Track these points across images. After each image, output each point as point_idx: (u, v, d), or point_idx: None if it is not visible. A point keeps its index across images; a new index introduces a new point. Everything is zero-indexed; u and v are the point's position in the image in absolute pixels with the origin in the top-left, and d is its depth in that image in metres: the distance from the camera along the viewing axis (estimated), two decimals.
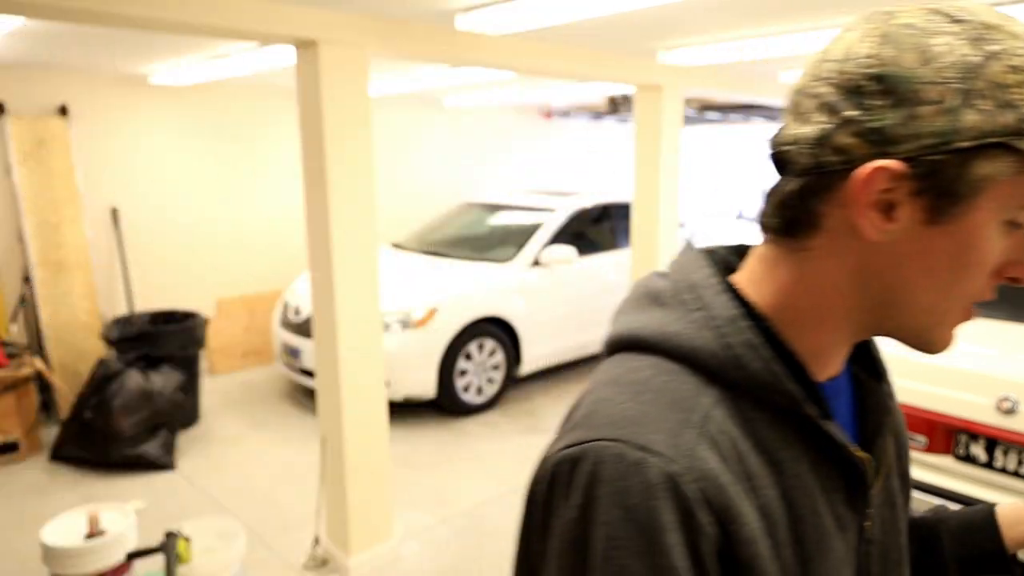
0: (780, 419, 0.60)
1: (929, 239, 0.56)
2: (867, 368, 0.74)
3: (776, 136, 0.61)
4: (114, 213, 5.04)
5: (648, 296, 0.67)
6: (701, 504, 0.53)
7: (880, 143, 0.54)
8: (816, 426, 0.61)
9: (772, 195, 0.63)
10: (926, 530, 0.85)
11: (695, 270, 0.65)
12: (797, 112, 0.59)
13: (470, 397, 4.68)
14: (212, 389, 5.21)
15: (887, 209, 0.55)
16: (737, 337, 0.60)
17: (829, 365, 0.65)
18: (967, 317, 0.60)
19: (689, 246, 0.70)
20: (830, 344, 0.63)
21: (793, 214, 0.60)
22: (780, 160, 0.60)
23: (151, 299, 5.28)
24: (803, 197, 0.59)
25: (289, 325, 4.79)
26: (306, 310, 4.67)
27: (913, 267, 0.57)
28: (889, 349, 2.87)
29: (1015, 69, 0.52)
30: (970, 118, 0.51)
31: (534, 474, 0.61)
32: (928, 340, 0.61)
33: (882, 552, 0.69)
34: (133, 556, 2.37)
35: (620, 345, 0.65)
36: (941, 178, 0.53)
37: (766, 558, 0.56)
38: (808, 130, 0.57)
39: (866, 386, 0.72)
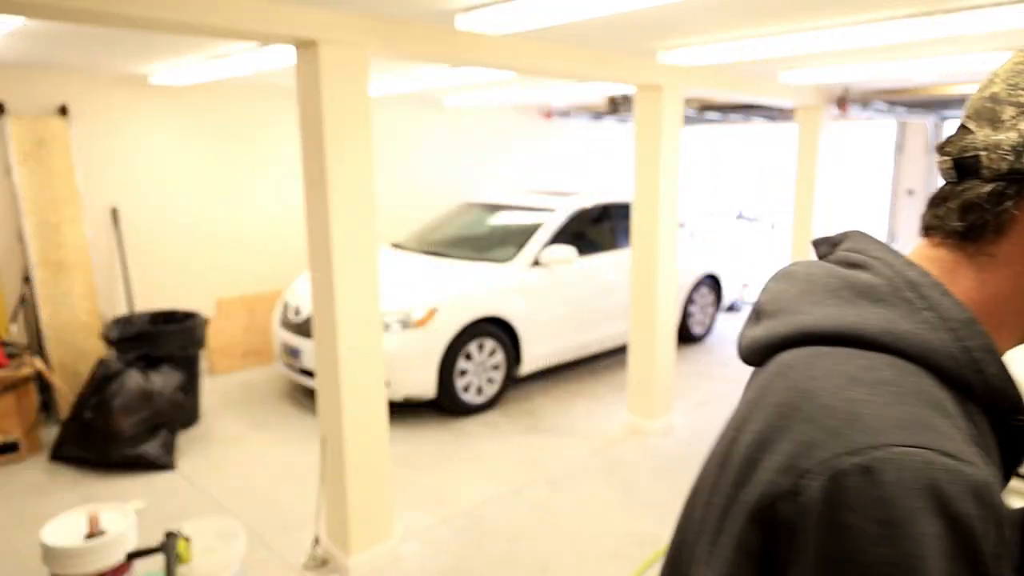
0: (994, 426, 0.61)
1: None
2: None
3: (959, 141, 0.62)
4: (114, 213, 5.04)
5: (853, 289, 0.63)
6: (995, 510, 0.51)
7: None
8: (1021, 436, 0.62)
9: (950, 199, 0.63)
10: None
11: (904, 267, 0.63)
12: (994, 119, 0.60)
13: (470, 397, 4.68)
14: (212, 389, 5.21)
15: None
16: (975, 341, 0.59)
17: None
18: None
19: (863, 235, 0.69)
20: (1001, 352, 0.63)
21: (981, 218, 0.60)
22: (965, 165, 0.61)
23: (151, 299, 5.28)
24: (996, 202, 0.59)
25: (289, 325, 4.79)
26: (306, 310, 4.67)
27: None
28: None
29: None
30: None
31: (770, 490, 0.55)
32: None
33: None
34: (133, 556, 2.37)
35: (826, 338, 0.62)
36: None
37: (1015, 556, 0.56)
38: (1008, 136, 0.59)
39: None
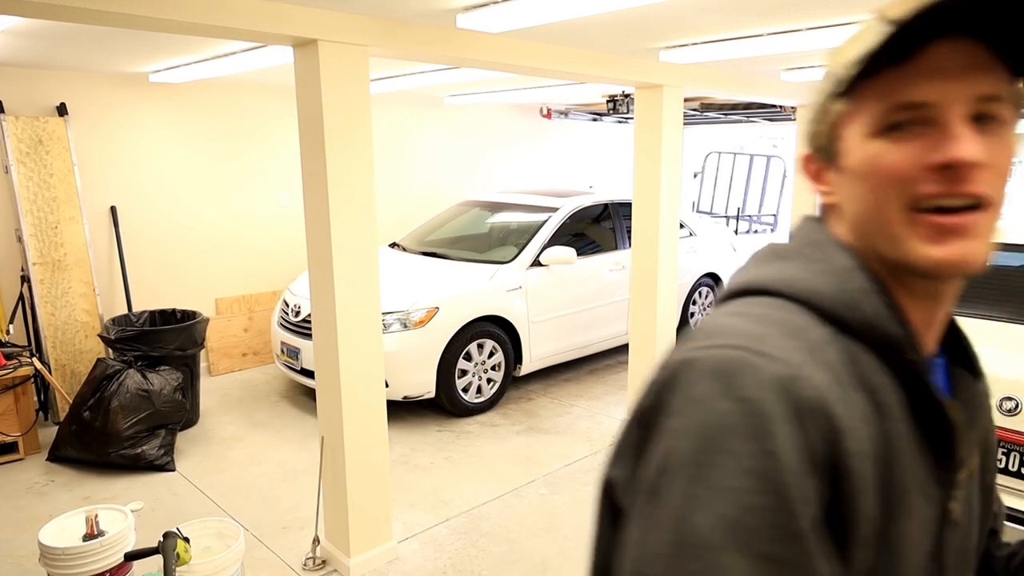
0: (884, 365, 0.63)
1: None
2: (964, 364, 0.75)
3: None
4: (113, 212, 5.03)
5: (772, 254, 0.72)
6: (811, 408, 0.56)
7: None
8: (917, 375, 0.64)
9: None
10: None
11: (815, 231, 0.71)
12: None
13: (470, 397, 4.67)
14: (211, 389, 5.20)
15: None
16: (853, 283, 0.65)
17: (926, 332, 0.68)
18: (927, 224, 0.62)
19: (808, 216, 0.76)
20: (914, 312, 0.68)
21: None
22: None
23: (150, 299, 5.27)
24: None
25: (288, 325, 4.78)
26: (305, 310, 4.66)
27: None
28: None
29: None
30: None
31: (647, 383, 0.64)
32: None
33: (959, 546, 0.70)
34: (131, 557, 2.37)
35: (740, 293, 0.69)
36: None
37: (867, 480, 0.57)
38: None
39: (961, 380, 0.73)
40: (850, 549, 0.57)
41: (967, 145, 0.59)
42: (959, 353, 0.75)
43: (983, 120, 0.61)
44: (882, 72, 0.62)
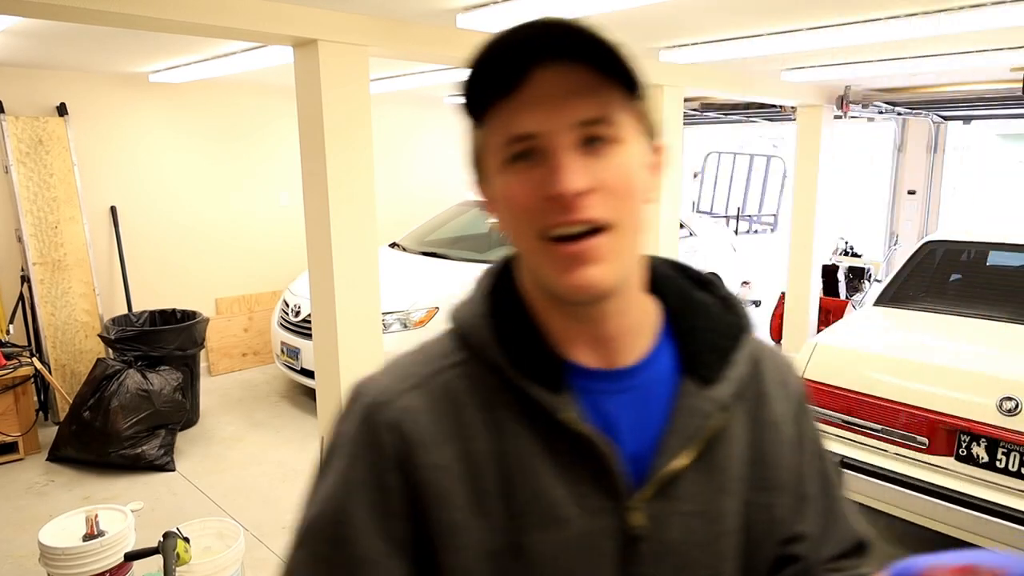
0: (508, 386, 0.67)
1: None
2: (699, 372, 0.71)
3: None
4: (113, 212, 5.03)
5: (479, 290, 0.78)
6: (387, 427, 0.66)
7: None
8: (527, 395, 0.66)
9: None
10: None
11: (500, 261, 0.75)
12: None
13: None
14: (211, 389, 5.19)
15: None
16: (477, 310, 0.70)
17: (577, 345, 0.69)
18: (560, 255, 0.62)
19: None
20: (555, 321, 0.69)
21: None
22: None
23: (150, 299, 5.27)
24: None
25: (288, 325, 4.78)
26: (306, 310, 4.65)
27: None
28: (890, 349, 2.83)
29: None
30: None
31: None
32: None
33: (673, 560, 0.68)
34: (131, 557, 2.37)
35: None
36: None
37: (451, 491, 0.64)
38: None
39: (683, 388, 0.70)
40: (448, 554, 0.64)
41: (569, 176, 0.59)
42: (699, 358, 0.72)
43: (595, 142, 0.61)
44: (495, 103, 0.62)
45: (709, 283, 0.79)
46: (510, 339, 0.68)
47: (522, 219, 0.62)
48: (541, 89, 0.60)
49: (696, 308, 0.74)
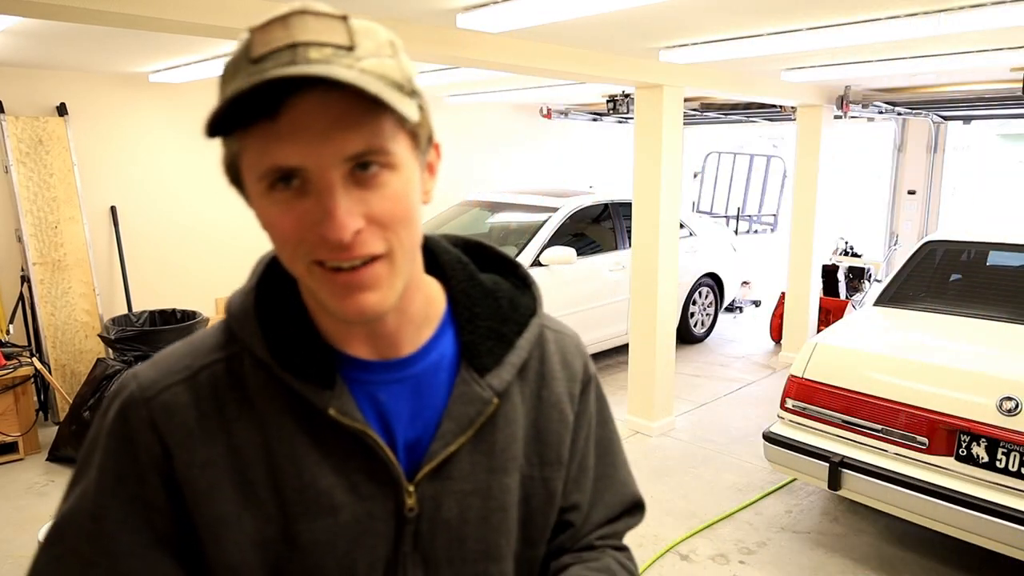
0: (276, 380, 0.67)
1: None
2: (477, 360, 0.73)
3: None
4: (113, 212, 5.03)
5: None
6: (146, 423, 0.66)
7: None
8: (291, 388, 0.66)
9: None
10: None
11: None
12: None
13: None
14: None
15: None
16: (245, 304, 0.70)
17: (351, 339, 0.69)
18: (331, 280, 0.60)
19: None
20: (327, 319, 0.69)
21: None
22: None
23: (150, 298, 5.27)
24: None
25: None
26: None
27: None
28: (890, 349, 2.83)
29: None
30: None
31: None
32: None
33: (448, 536, 0.71)
34: None
35: None
36: None
37: (216, 486, 0.65)
38: None
39: (460, 375, 0.72)
40: (217, 548, 0.65)
41: (343, 220, 0.56)
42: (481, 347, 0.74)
43: (367, 169, 0.58)
44: (256, 123, 0.57)
45: (506, 263, 0.81)
46: (278, 332, 0.67)
47: (290, 247, 0.60)
48: (302, 119, 0.56)
49: (480, 294, 0.75)
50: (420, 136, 0.64)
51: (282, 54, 0.55)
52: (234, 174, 0.65)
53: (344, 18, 0.59)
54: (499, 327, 0.74)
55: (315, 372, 0.66)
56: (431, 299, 0.73)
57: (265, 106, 0.56)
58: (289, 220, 0.58)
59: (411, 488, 0.69)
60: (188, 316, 4.77)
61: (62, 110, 4.69)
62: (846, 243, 6.63)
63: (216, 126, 0.57)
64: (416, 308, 0.70)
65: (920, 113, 6.51)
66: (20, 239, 4.55)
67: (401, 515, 0.69)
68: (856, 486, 2.82)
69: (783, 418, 3.11)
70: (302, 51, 0.55)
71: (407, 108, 0.57)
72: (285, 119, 0.56)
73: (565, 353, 0.81)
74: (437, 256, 0.77)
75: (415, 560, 0.70)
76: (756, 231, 9.64)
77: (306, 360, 0.67)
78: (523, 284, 0.80)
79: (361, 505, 0.67)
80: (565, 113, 7.51)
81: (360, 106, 0.57)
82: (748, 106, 6.79)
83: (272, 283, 0.71)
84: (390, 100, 0.55)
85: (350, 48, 0.57)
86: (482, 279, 0.77)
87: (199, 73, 4.35)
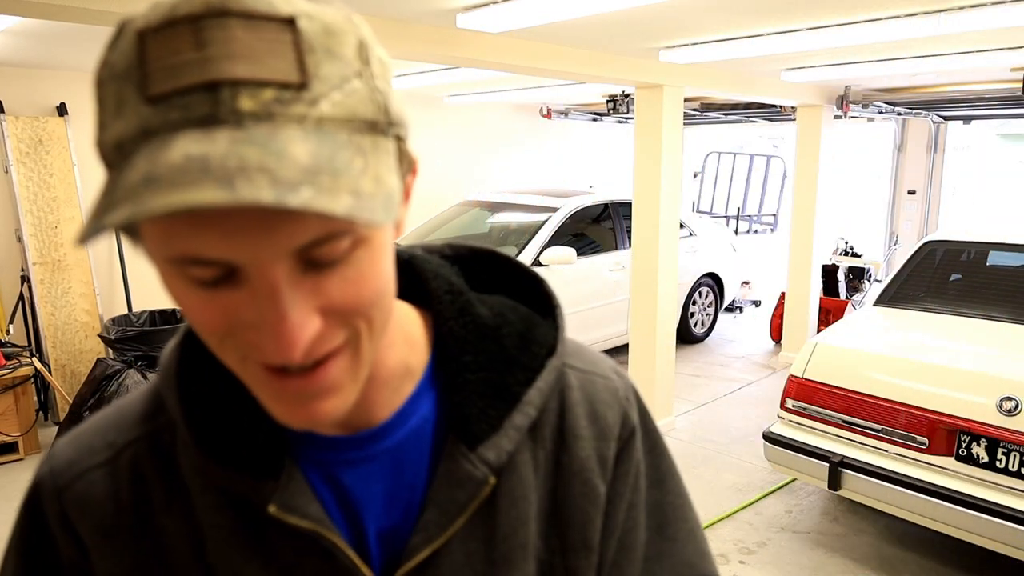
0: (208, 466, 0.53)
1: None
2: (467, 427, 0.55)
3: None
4: None
5: None
6: (58, 520, 0.56)
7: None
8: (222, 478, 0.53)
9: None
10: None
11: None
12: None
13: None
14: None
15: None
16: (168, 366, 0.56)
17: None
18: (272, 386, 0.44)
19: None
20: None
21: None
22: None
23: (150, 299, 5.27)
24: None
25: None
26: None
27: None
28: (890, 349, 2.82)
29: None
30: None
31: None
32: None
33: None
34: None
35: None
36: None
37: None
38: None
39: (447, 448, 0.55)
40: None
41: (291, 337, 0.40)
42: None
43: (322, 261, 0.41)
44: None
45: (524, 279, 0.63)
46: (208, 403, 0.53)
47: (215, 340, 0.43)
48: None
49: (475, 334, 0.57)
50: (401, 172, 0.47)
51: (193, 99, 0.37)
52: (132, 231, 0.44)
53: (290, 21, 0.38)
54: (499, 377, 0.56)
55: (254, 457, 0.52)
56: (412, 344, 0.57)
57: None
58: (212, 314, 0.42)
59: None
60: None
61: (62, 110, 4.69)
62: (846, 243, 6.63)
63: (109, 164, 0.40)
64: (392, 364, 0.54)
65: (920, 113, 6.52)
66: (20, 239, 4.55)
67: None
68: (856, 486, 2.82)
69: (783, 418, 3.11)
70: (227, 98, 0.37)
71: (383, 204, 0.38)
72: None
73: (594, 402, 0.61)
74: (424, 280, 0.59)
75: None
76: (756, 231, 9.64)
77: (243, 440, 0.52)
78: (545, 307, 0.62)
79: None
80: (565, 113, 7.51)
81: None
82: (748, 106, 6.79)
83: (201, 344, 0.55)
84: (369, 216, 0.37)
85: (300, 85, 0.38)
86: (479, 312, 0.58)
87: None
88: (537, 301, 0.62)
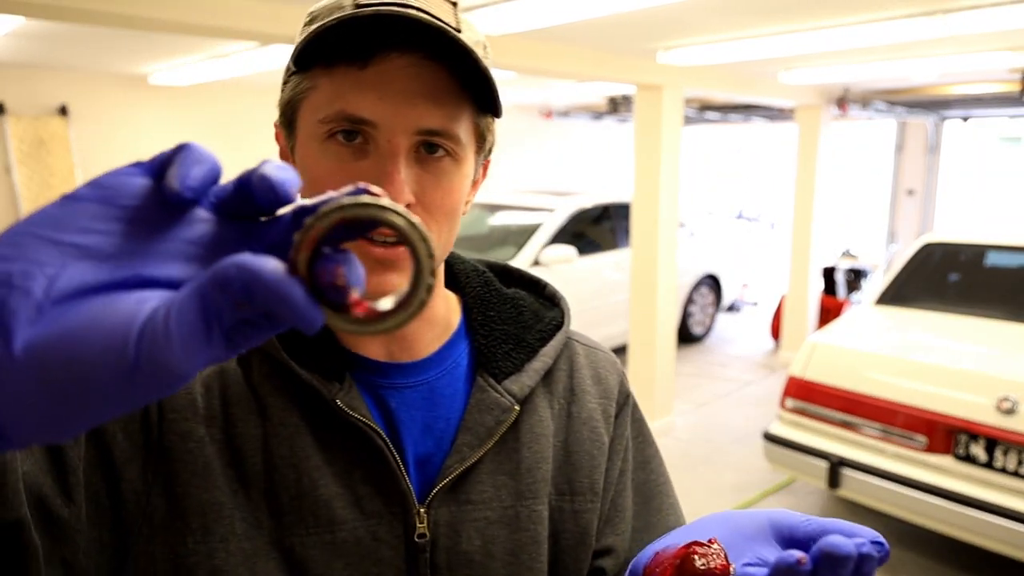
0: (280, 370, 0.60)
1: None
2: (494, 364, 0.66)
3: None
4: None
5: None
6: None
7: None
8: (300, 379, 0.59)
9: None
10: None
11: None
12: None
13: None
14: None
15: None
16: None
17: (362, 336, 0.62)
18: None
19: None
20: None
21: None
22: None
23: None
24: None
25: None
26: None
27: None
28: (889, 349, 2.83)
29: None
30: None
31: None
32: None
33: (470, 572, 0.61)
34: None
35: None
36: None
37: (210, 466, 0.57)
38: None
39: (477, 382, 0.65)
40: (205, 538, 0.56)
41: (399, 187, 0.54)
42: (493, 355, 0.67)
43: (432, 151, 0.56)
44: (338, 64, 0.54)
45: (532, 284, 0.76)
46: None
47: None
48: (391, 76, 0.54)
49: (498, 299, 0.70)
50: (485, 144, 0.62)
51: (392, 7, 0.52)
52: (290, 115, 0.59)
53: (454, 3, 0.56)
54: (519, 332, 0.68)
55: (322, 364, 0.61)
56: (450, 306, 0.69)
57: (357, 50, 0.53)
58: (338, 175, 0.54)
59: (422, 510, 0.60)
60: None
61: (64, 111, 4.70)
62: (846, 243, 6.64)
63: (303, 55, 0.54)
64: (438, 311, 0.66)
65: (920, 113, 6.52)
66: None
67: (411, 543, 0.60)
68: (855, 486, 2.83)
69: (782, 418, 3.12)
70: (413, 11, 0.52)
71: (493, 98, 0.56)
72: (373, 70, 0.54)
73: (598, 367, 0.73)
74: (451, 266, 0.72)
75: None
76: (756, 231, 9.66)
77: (313, 351, 0.61)
78: (551, 303, 0.74)
79: (364, 524, 0.59)
80: (565, 113, 7.52)
81: (450, 86, 0.55)
82: (748, 106, 6.80)
83: None
84: (489, 82, 0.54)
85: (457, 31, 0.54)
86: (500, 287, 0.72)
87: (199, 76, 4.36)
88: (544, 299, 0.75)
